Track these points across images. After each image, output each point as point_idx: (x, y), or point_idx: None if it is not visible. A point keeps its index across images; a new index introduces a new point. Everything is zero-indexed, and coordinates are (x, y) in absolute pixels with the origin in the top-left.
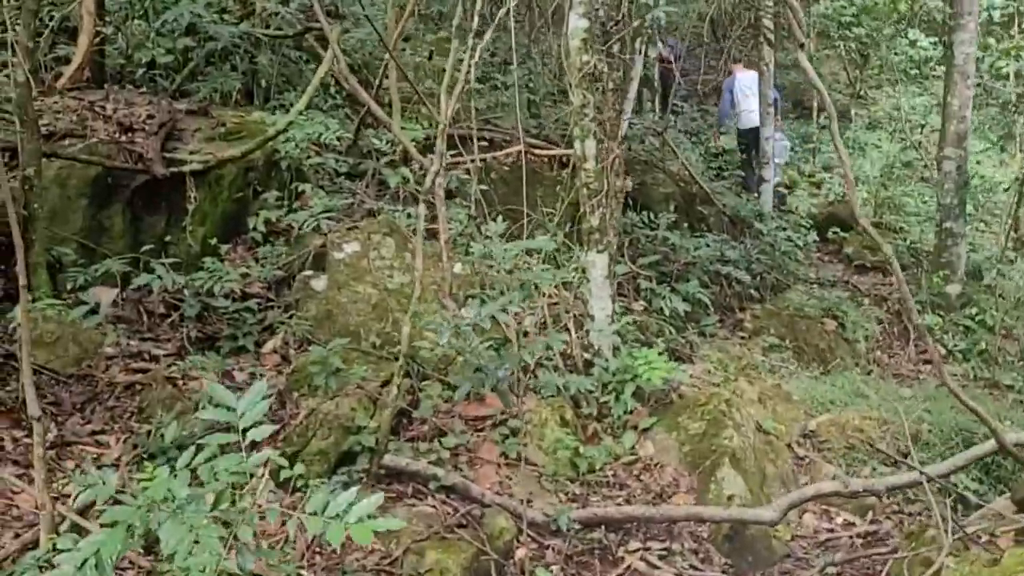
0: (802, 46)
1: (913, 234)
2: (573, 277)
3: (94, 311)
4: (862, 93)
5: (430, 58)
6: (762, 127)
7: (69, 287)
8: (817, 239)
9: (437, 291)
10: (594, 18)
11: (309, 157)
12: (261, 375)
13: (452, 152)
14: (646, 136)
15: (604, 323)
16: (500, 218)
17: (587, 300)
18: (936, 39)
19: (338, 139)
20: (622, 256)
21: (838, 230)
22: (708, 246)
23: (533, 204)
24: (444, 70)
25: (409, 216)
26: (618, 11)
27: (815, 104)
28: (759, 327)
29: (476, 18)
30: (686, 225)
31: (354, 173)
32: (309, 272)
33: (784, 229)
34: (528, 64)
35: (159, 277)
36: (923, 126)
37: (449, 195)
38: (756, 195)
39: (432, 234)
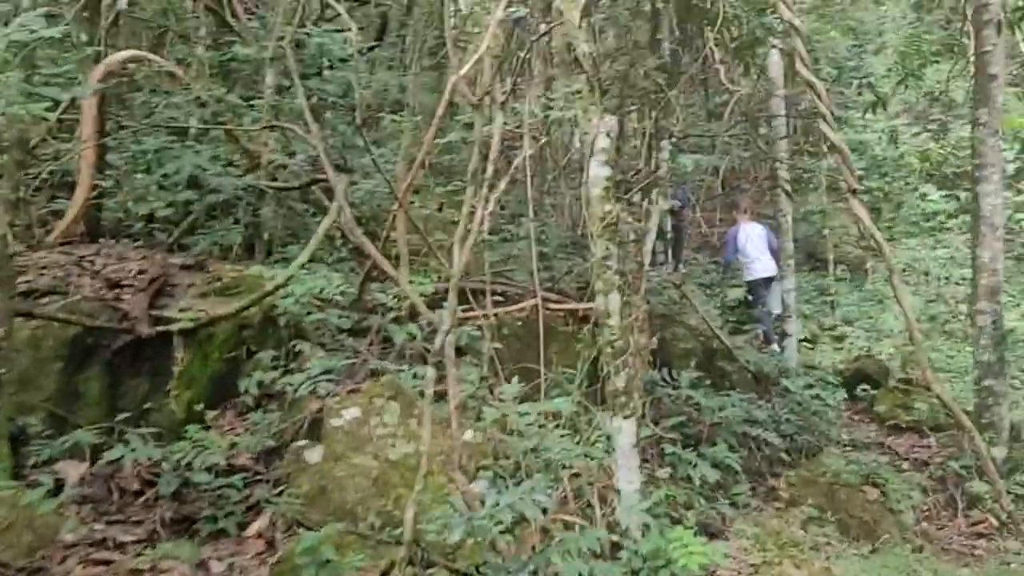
0: (854, 192)
1: (943, 389)
2: (597, 446)
3: (56, 491)
4: (867, 247)
5: (440, 210)
6: (782, 279)
7: (32, 462)
8: (846, 396)
9: (445, 462)
10: (615, 166)
11: (310, 313)
12: (241, 568)
13: (463, 307)
14: (664, 289)
15: (633, 498)
16: (515, 378)
17: (613, 472)
18: (947, 192)
19: (341, 294)
20: (643, 417)
21: (867, 387)
22: (734, 406)
23: (548, 362)
24: (454, 222)
25: (415, 376)
26: (639, 159)
27: (830, 256)
28: (795, 496)
29: (491, 167)
30: (708, 383)
31: (357, 330)
32: (303, 442)
33: (812, 387)
34: (541, 215)
35: (133, 449)
36: (947, 279)
37: (459, 352)
38: (778, 349)
39: (440, 397)
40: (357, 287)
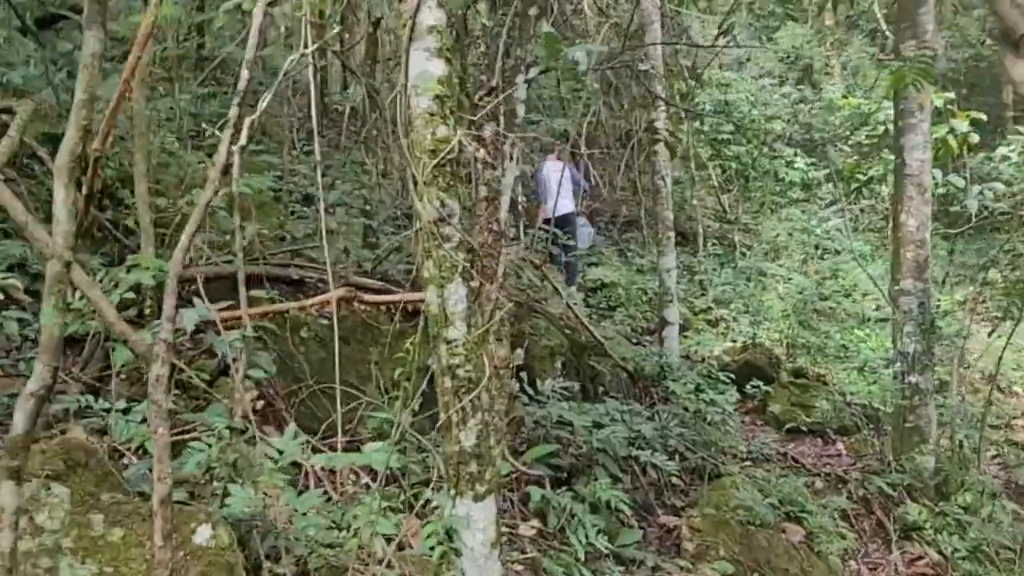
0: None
1: (843, 384)
2: (435, 540)
3: None
4: (736, 219)
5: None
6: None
7: None
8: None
9: None
10: (456, 66)
11: None
12: None
13: (226, 304)
14: (521, 270)
15: None
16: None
17: None
18: (815, 160)
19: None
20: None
21: (758, 383)
22: (614, 420)
23: (366, 375)
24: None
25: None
26: (490, 70)
27: (700, 230)
28: (703, 545)
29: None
30: (578, 388)
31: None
32: None
33: (700, 388)
34: (364, 178)
35: None
36: (838, 252)
37: (216, 378)
38: (576, 293)
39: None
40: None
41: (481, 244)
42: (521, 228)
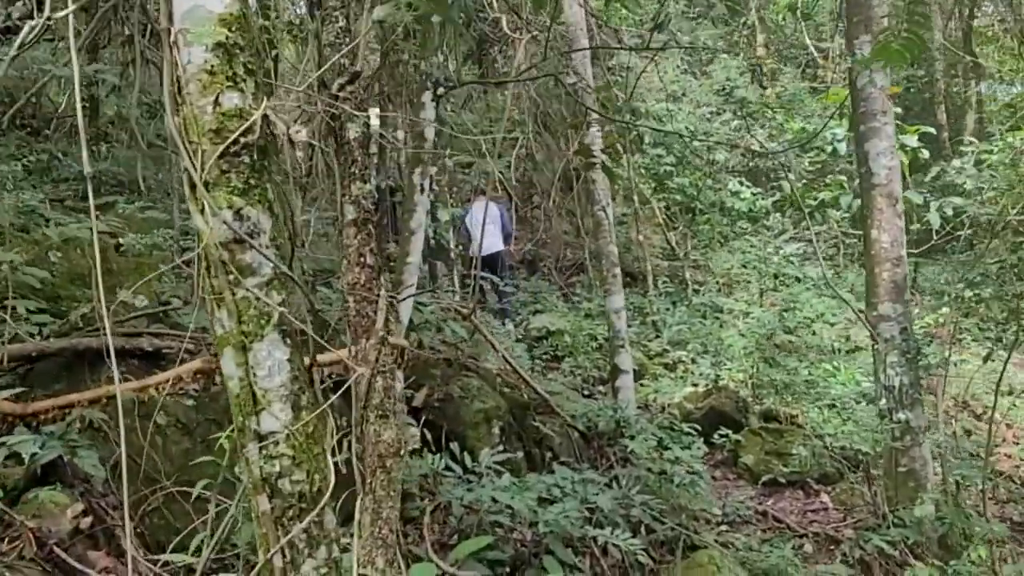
0: None
1: (817, 425)
2: None
3: None
4: (685, 255)
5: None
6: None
7: None
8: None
9: None
10: None
11: None
12: None
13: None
14: (442, 322)
15: None
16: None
17: None
18: (760, 190)
19: None
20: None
21: (726, 432)
22: (565, 494)
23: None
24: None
25: None
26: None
27: (648, 268)
28: None
29: None
30: (521, 456)
31: None
32: None
33: (666, 446)
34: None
35: None
36: (797, 279)
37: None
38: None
39: None
40: None
41: (351, 284)
42: (456, 276)
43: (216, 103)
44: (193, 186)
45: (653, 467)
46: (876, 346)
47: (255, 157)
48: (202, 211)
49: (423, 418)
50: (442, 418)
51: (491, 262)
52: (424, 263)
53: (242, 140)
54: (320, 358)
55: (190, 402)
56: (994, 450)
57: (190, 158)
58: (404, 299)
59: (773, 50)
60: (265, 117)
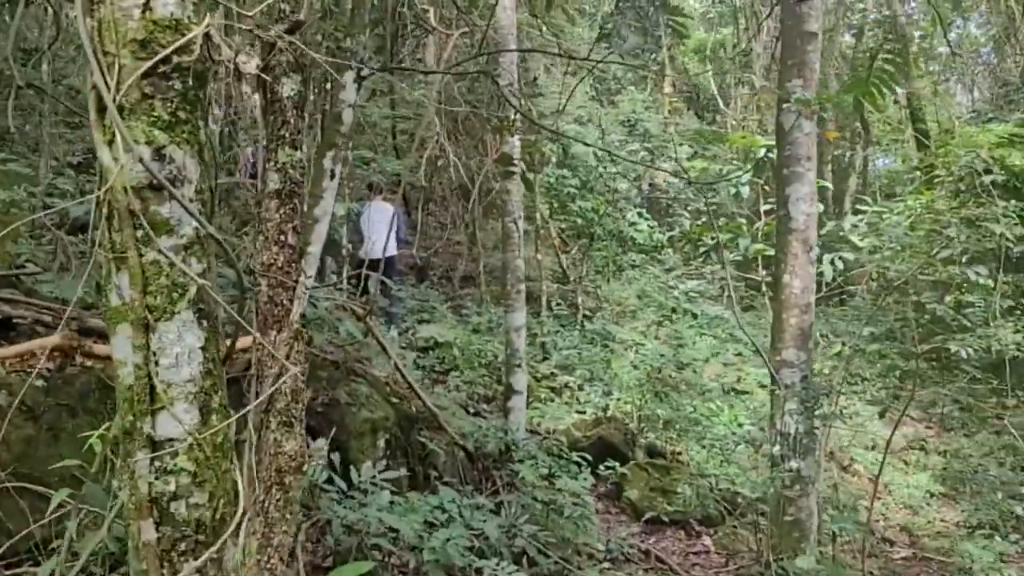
0: None
1: (702, 465)
2: None
3: None
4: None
5: None
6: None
7: None
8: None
9: None
10: None
11: None
12: None
13: None
14: (339, 321)
15: None
16: None
17: None
18: (656, 223)
19: None
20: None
21: (613, 464)
22: (452, 518)
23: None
24: None
25: None
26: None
27: (543, 289)
28: None
29: None
30: (405, 472)
31: None
32: None
33: (555, 475)
34: None
35: None
36: (694, 316)
37: None
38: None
39: None
40: None
41: (266, 265)
42: (345, 275)
43: (146, 7)
44: (102, 108)
45: (541, 496)
46: (776, 391)
47: (189, 84)
48: (110, 143)
49: (306, 423)
50: (326, 425)
51: (386, 267)
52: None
53: (175, 59)
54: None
55: (40, 383)
56: (862, 505)
57: (102, 72)
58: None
59: (678, 89)
60: (208, 35)
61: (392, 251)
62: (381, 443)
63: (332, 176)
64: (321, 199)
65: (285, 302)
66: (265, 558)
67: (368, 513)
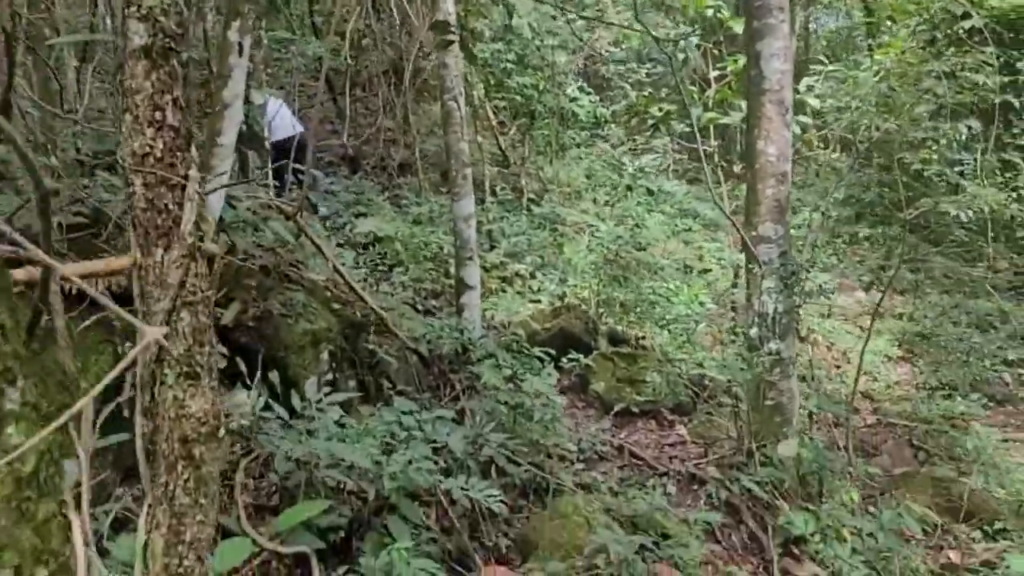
0: None
1: (666, 347)
2: None
3: None
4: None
5: None
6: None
7: None
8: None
9: None
10: None
11: None
12: None
13: None
14: (263, 222)
15: None
16: None
17: None
18: (598, 97)
19: None
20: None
21: (576, 356)
22: (410, 435)
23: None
24: None
25: None
26: None
27: (486, 173)
28: None
29: None
30: (355, 386)
31: None
32: None
33: (520, 376)
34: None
35: None
36: (651, 193)
37: None
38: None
39: None
40: None
41: (138, 155)
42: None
43: None
44: None
45: (505, 399)
46: (753, 269)
47: None
48: None
49: (236, 341)
50: (259, 340)
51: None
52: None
53: None
54: (91, 266)
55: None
56: (827, 377)
57: None
58: (214, 190)
59: None
60: None
61: (297, 128)
62: (325, 356)
63: (240, 51)
64: (229, 79)
65: (170, 206)
66: (176, 560)
67: (317, 446)
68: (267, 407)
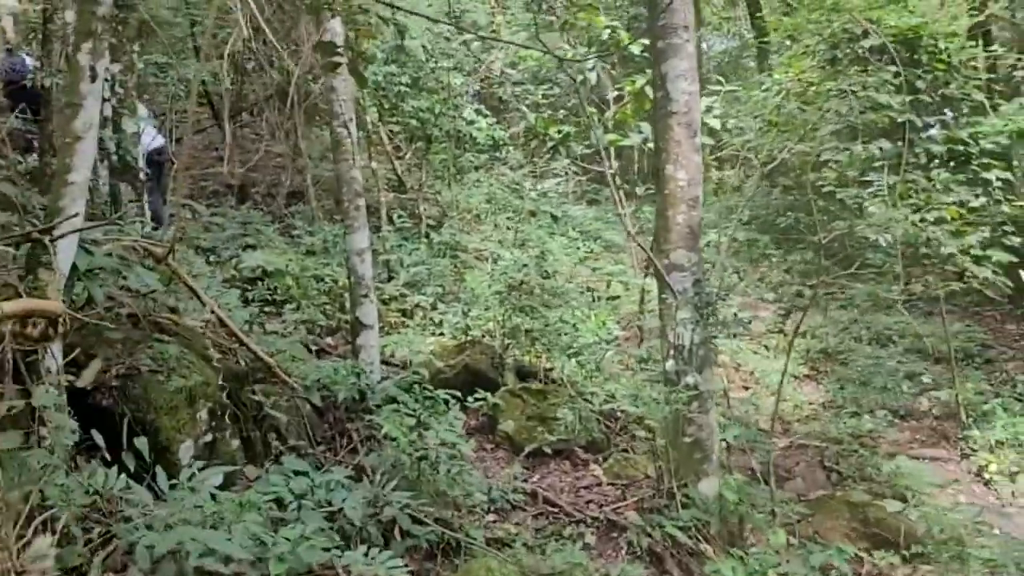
0: None
1: (575, 378)
2: None
3: None
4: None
5: None
6: None
7: None
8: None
9: None
10: None
11: None
12: None
13: None
14: (128, 267)
15: None
16: None
17: None
18: (495, 119)
19: None
20: None
21: (483, 394)
22: (300, 503)
23: None
24: None
25: None
26: None
27: (382, 200)
28: None
29: None
30: (238, 446)
31: None
32: None
33: (425, 424)
34: None
35: None
36: (556, 219)
37: None
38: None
39: None
40: None
41: None
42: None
43: None
44: None
45: (408, 450)
46: (667, 299)
47: None
48: None
49: (97, 405)
50: (124, 402)
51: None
52: (105, 186)
53: None
54: None
55: None
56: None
57: None
58: (62, 236)
59: None
60: None
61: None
62: (203, 414)
63: (93, 77)
64: (81, 108)
65: None
66: None
67: (184, 533)
68: (133, 476)
